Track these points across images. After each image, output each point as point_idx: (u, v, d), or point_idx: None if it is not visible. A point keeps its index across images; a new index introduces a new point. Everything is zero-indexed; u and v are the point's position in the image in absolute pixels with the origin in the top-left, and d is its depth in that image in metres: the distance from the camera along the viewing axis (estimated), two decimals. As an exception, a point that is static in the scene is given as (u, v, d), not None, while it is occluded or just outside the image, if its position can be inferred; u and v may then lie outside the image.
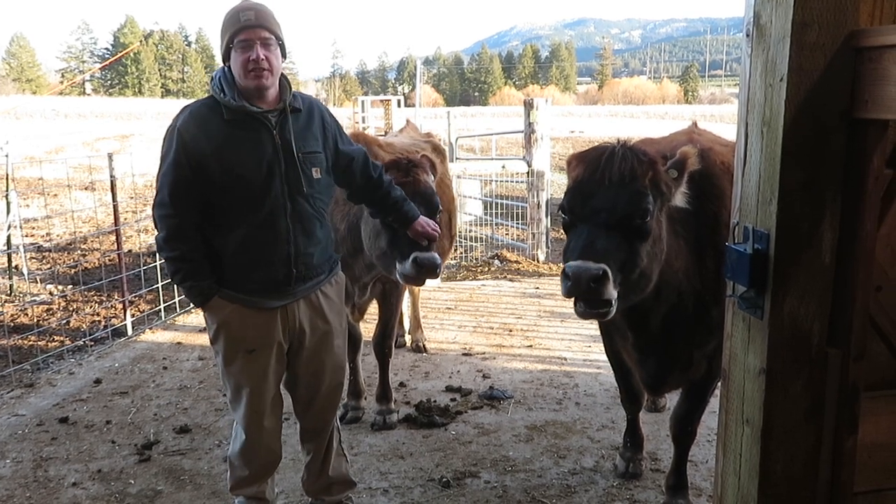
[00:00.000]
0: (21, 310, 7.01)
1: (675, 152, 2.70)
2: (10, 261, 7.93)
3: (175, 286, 6.47)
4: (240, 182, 2.62)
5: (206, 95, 2.75)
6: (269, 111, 2.66)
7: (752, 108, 1.66)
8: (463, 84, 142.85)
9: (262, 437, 2.90)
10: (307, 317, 2.84)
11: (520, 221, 9.45)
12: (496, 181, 11.14)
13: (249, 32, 2.56)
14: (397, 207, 3.16)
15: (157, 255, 2.83)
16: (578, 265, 2.34)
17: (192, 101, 2.84)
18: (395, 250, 3.38)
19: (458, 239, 8.03)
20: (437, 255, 3.30)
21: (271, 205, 2.66)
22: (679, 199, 2.66)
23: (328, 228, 2.91)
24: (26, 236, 10.27)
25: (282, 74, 2.72)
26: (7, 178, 7.52)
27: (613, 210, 2.46)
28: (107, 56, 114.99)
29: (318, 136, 2.80)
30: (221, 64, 2.71)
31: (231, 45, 2.61)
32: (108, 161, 6.24)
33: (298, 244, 2.72)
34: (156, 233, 2.75)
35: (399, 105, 19.37)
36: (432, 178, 3.74)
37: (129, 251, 9.00)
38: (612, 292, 2.38)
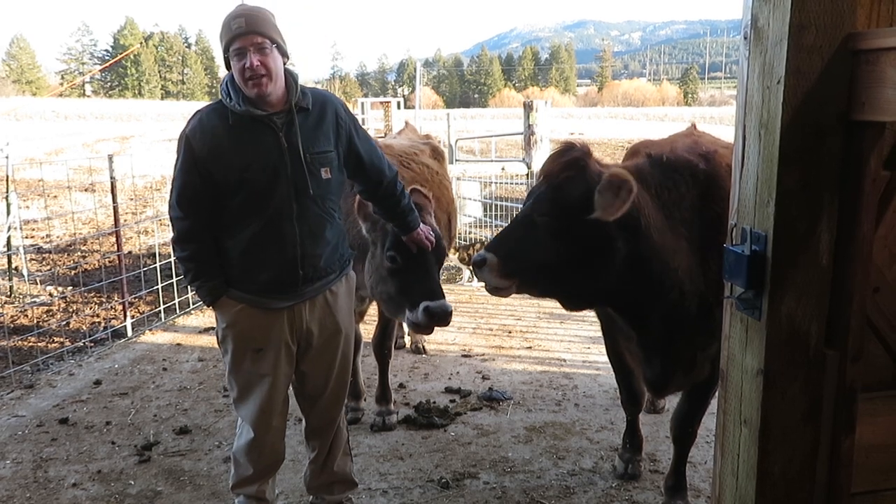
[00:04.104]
0: (21, 311, 7.02)
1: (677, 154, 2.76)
2: (10, 262, 7.93)
3: (176, 288, 6.51)
4: (244, 185, 2.64)
5: (216, 100, 2.77)
6: (275, 113, 2.66)
7: (750, 111, 1.67)
8: (463, 86, 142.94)
9: (268, 437, 2.91)
10: (315, 317, 2.86)
11: (519, 223, 9.42)
12: (496, 183, 11.15)
13: (242, 40, 2.56)
14: (403, 215, 3.18)
15: (172, 253, 2.88)
16: (478, 253, 2.67)
17: (205, 104, 2.86)
18: (405, 298, 3.32)
19: (457, 240, 8.02)
20: (448, 303, 3.23)
21: (276, 207, 2.67)
22: (603, 213, 2.51)
23: (339, 227, 2.90)
24: (26, 238, 10.28)
25: (290, 73, 2.72)
26: (7, 180, 7.53)
27: (524, 207, 2.72)
28: (107, 58, 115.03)
29: (329, 135, 2.78)
30: (224, 69, 2.73)
31: (227, 54, 2.62)
32: (108, 162, 6.25)
33: (305, 246, 2.73)
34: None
35: (399, 107, 19.41)
36: (433, 215, 3.68)
37: (129, 253, 9.00)
38: (492, 278, 2.60)
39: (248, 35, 2.56)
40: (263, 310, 2.76)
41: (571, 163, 2.64)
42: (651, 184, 2.76)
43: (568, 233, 2.58)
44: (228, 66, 2.67)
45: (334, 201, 2.84)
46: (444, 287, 7.51)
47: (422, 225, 3.26)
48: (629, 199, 2.47)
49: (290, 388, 3.02)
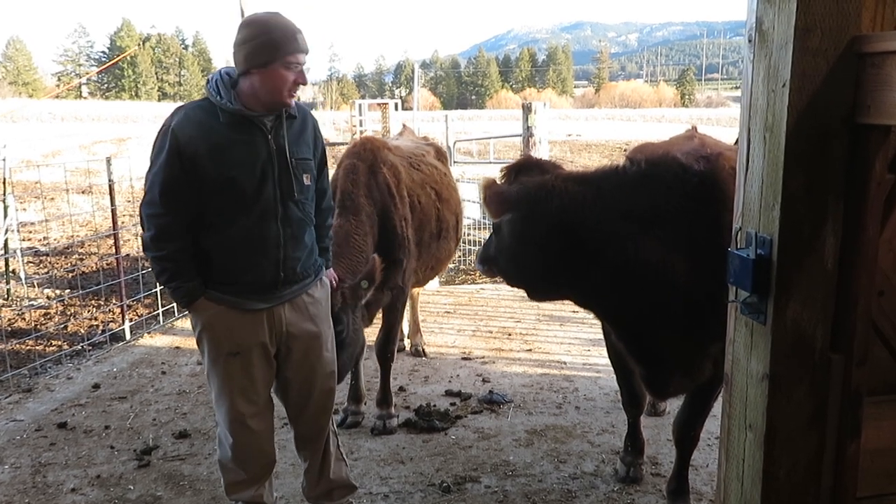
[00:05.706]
0: (18, 314, 6.99)
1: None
2: (7, 265, 7.91)
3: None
4: (233, 184, 2.63)
5: (201, 97, 2.76)
6: (265, 115, 2.68)
7: (755, 114, 1.67)
8: (460, 87, 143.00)
9: (251, 440, 2.87)
10: (294, 320, 2.84)
11: (518, 225, 9.39)
12: (494, 185, 11.12)
13: (302, 56, 2.63)
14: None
15: (144, 253, 2.84)
16: None
17: (186, 102, 2.85)
18: None
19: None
20: None
21: (263, 208, 2.67)
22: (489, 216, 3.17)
23: (313, 233, 2.94)
24: (23, 240, 10.24)
25: None
26: (4, 182, 7.51)
27: None
28: (104, 59, 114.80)
29: (309, 144, 2.85)
30: (230, 65, 2.70)
31: (276, 60, 2.57)
32: (105, 165, 6.23)
33: (287, 248, 2.74)
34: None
35: (396, 108, 19.35)
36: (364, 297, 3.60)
37: (127, 255, 8.98)
38: (477, 263, 3.36)
39: (305, 54, 2.65)
40: (240, 311, 2.74)
41: (504, 172, 3.15)
42: (608, 188, 2.88)
43: (498, 231, 3.08)
44: (259, 66, 2.58)
45: (312, 207, 2.88)
46: (444, 289, 7.51)
47: (331, 272, 3.20)
48: (490, 203, 3.01)
49: (278, 395, 3.01)
